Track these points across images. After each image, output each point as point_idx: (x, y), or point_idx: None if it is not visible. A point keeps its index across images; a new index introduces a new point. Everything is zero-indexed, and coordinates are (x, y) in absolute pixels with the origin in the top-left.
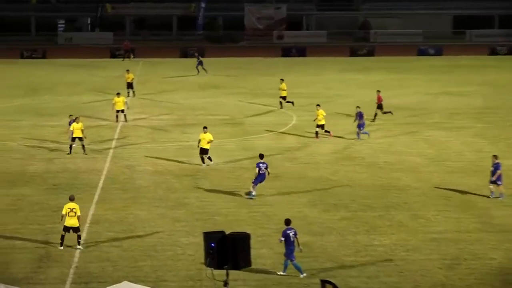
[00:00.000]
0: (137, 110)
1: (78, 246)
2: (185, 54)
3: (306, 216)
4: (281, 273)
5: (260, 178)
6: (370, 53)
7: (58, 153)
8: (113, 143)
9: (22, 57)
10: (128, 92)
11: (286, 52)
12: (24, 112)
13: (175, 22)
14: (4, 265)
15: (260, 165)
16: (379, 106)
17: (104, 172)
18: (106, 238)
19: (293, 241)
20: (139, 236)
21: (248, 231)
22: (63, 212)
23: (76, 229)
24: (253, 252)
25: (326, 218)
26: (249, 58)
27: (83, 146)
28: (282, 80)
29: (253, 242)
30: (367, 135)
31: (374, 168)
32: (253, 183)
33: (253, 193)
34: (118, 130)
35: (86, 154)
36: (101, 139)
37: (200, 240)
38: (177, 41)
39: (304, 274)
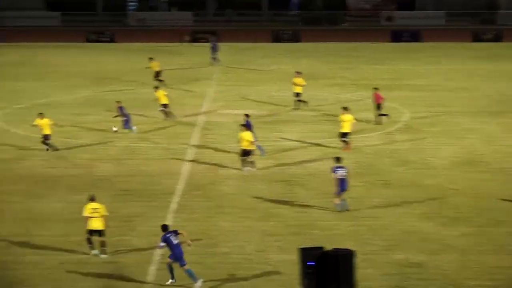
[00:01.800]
0: (221, 104)
1: (102, 255)
2: (277, 38)
3: (420, 231)
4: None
5: (341, 185)
6: (497, 38)
7: (129, 153)
8: (192, 142)
9: (87, 41)
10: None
11: (397, 36)
12: (90, 105)
13: (265, 0)
14: (69, 282)
15: (338, 170)
16: (378, 106)
17: (183, 176)
18: (186, 253)
19: (177, 243)
20: (223, 252)
21: (351, 248)
22: (86, 213)
23: (100, 233)
24: (357, 272)
25: (444, 233)
26: (353, 44)
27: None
28: (298, 73)
29: (357, 260)
30: None
31: (503, 175)
32: (335, 193)
33: (340, 204)
34: (198, 127)
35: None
36: (178, 137)
37: (294, 257)
38: (268, 22)
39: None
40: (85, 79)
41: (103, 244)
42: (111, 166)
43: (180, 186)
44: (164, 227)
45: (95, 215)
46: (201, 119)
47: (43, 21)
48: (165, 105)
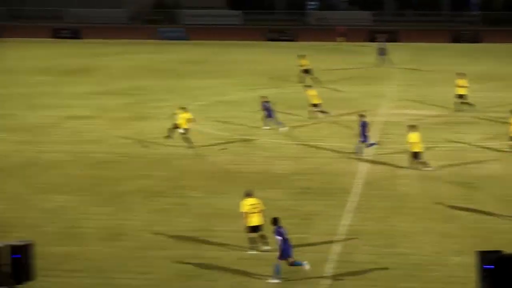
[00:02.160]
0: (399, 104)
1: (265, 247)
2: (456, 39)
3: None
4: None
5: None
6: None
7: (307, 152)
8: (371, 142)
9: (268, 39)
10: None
11: None
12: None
13: (446, 1)
14: (247, 278)
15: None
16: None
17: (361, 175)
18: (363, 253)
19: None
20: (401, 253)
21: None
22: (245, 210)
23: (259, 228)
24: None
25: None
26: None
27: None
28: (461, 74)
29: None
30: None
31: None
32: None
33: None
34: (377, 127)
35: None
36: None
37: (472, 260)
38: (447, 23)
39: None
40: (265, 77)
41: (263, 238)
42: (290, 163)
43: (357, 185)
44: (275, 220)
45: (254, 211)
46: (379, 119)
47: (225, 20)
48: (315, 105)
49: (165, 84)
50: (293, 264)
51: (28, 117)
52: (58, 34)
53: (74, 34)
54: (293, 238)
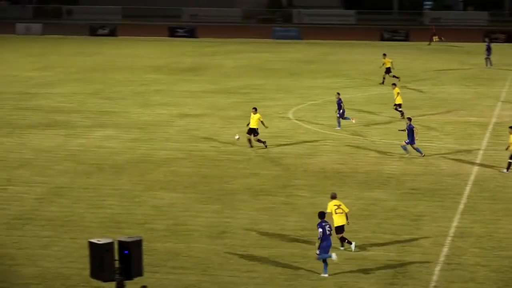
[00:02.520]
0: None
1: (352, 247)
2: None
3: None
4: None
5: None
6: None
7: (417, 153)
8: (484, 144)
9: (381, 39)
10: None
11: None
12: (381, 103)
13: None
14: (353, 278)
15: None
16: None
17: (472, 177)
18: (471, 255)
19: (329, 234)
20: (510, 256)
21: None
22: (329, 210)
23: (342, 228)
24: None
25: None
26: None
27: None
28: None
29: None
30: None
31: None
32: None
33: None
34: (489, 128)
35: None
36: (469, 138)
37: None
38: None
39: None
40: (379, 77)
41: (344, 240)
42: (400, 164)
43: (466, 187)
44: (322, 214)
45: (338, 212)
46: (493, 120)
47: (339, 19)
48: (398, 105)
49: (277, 83)
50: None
51: (141, 114)
52: (174, 33)
53: (190, 33)
54: (401, 238)
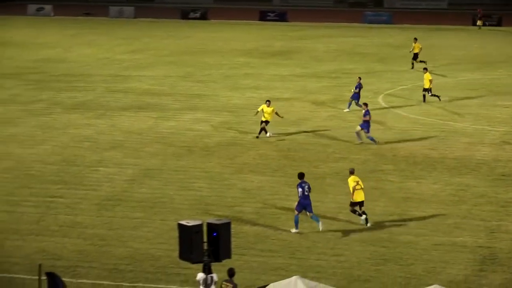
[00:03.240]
0: None
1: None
2: None
3: None
4: (295, 230)
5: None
6: None
7: (510, 138)
8: None
9: (473, 24)
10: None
11: None
12: (473, 89)
13: None
14: (442, 264)
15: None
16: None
17: None
18: None
19: (308, 195)
20: None
21: None
22: (350, 186)
23: (362, 204)
24: None
25: None
26: None
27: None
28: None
29: None
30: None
31: None
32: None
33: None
34: None
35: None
36: None
37: None
38: None
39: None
40: (470, 63)
41: (364, 213)
42: (491, 150)
43: None
44: (301, 175)
45: (358, 188)
46: None
47: (431, 4)
48: (427, 90)
49: (367, 68)
50: (312, 217)
51: (231, 98)
52: (265, 16)
53: (281, 17)
54: (490, 225)
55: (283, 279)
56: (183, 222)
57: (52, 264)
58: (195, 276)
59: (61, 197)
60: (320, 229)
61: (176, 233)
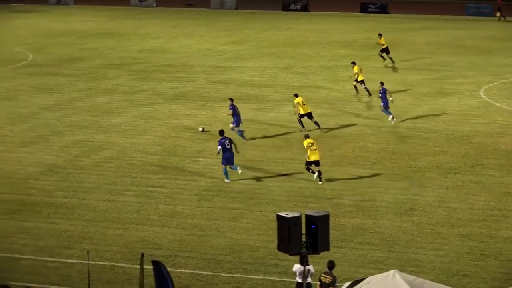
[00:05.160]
0: None
1: (314, 176)
2: None
3: None
4: (227, 180)
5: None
6: None
7: None
8: None
9: None
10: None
11: None
12: None
13: None
14: None
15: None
16: None
17: None
18: None
19: (229, 148)
20: None
21: None
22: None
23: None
24: None
25: None
26: None
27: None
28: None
29: None
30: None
31: None
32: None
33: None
34: None
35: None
36: None
37: None
38: None
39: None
40: None
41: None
42: None
43: None
44: (221, 132)
45: (312, 148)
46: None
47: None
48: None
49: (468, 61)
50: (232, 168)
51: (331, 90)
52: (366, 8)
53: (382, 9)
54: None
55: (381, 273)
56: (282, 214)
57: (152, 253)
58: (292, 267)
59: (162, 187)
60: (240, 173)
61: (274, 225)
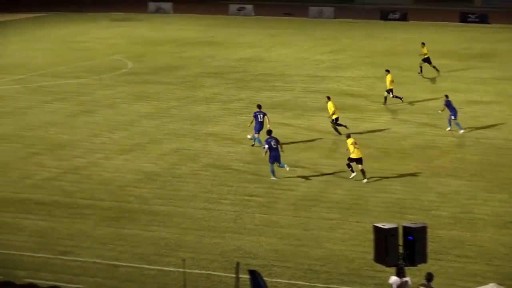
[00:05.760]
0: None
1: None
2: None
3: None
4: (273, 178)
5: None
6: None
7: None
8: None
9: None
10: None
11: None
12: None
13: None
14: None
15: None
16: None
17: None
18: None
19: (276, 147)
20: None
21: None
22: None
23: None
24: None
25: None
26: None
27: None
28: None
29: None
30: None
31: None
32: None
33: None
34: None
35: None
36: None
37: None
38: None
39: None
40: None
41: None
42: None
43: None
44: (269, 132)
45: (356, 147)
46: None
47: None
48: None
49: None
50: (279, 166)
51: (429, 100)
52: (465, 18)
53: (482, 18)
54: None
55: (480, 286)
56: (379, 225)
57: (248, 263)
58: (388, 279)
59: (258, 196)
60: (287, 169)
61: (371, 235)
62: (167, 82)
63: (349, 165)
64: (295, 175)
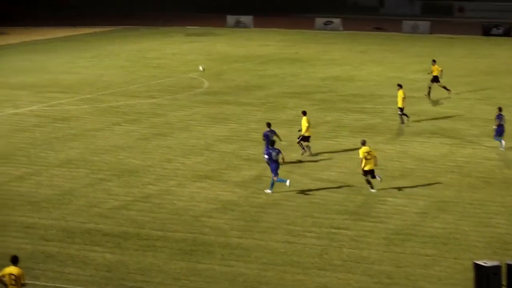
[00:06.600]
0: None
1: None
2: None
3: None
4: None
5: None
6: None
7: None
8: None
9: None
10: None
11: None
12: None
13: None
14: None
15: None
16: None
17: None
18: None
19: (276, 159)
20: None
21: None
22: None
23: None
24: None
25: None
26: None
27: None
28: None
29: None
30: None
31: None
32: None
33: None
34: None
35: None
36: None
37: None
38: None
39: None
40: None
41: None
42: None
43: None
44: (272, 142)
45: (368, 157)
46: None
47: None
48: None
49: None
50: (276, 180)
51: None
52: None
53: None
54: None
55: None
56: (480, 262)
57: None
58: None
59: (346, 228)
60: (288, 185)
61: (471, 274)
62: (246, 103)
63: (367, 181)
64: (386, 205)
